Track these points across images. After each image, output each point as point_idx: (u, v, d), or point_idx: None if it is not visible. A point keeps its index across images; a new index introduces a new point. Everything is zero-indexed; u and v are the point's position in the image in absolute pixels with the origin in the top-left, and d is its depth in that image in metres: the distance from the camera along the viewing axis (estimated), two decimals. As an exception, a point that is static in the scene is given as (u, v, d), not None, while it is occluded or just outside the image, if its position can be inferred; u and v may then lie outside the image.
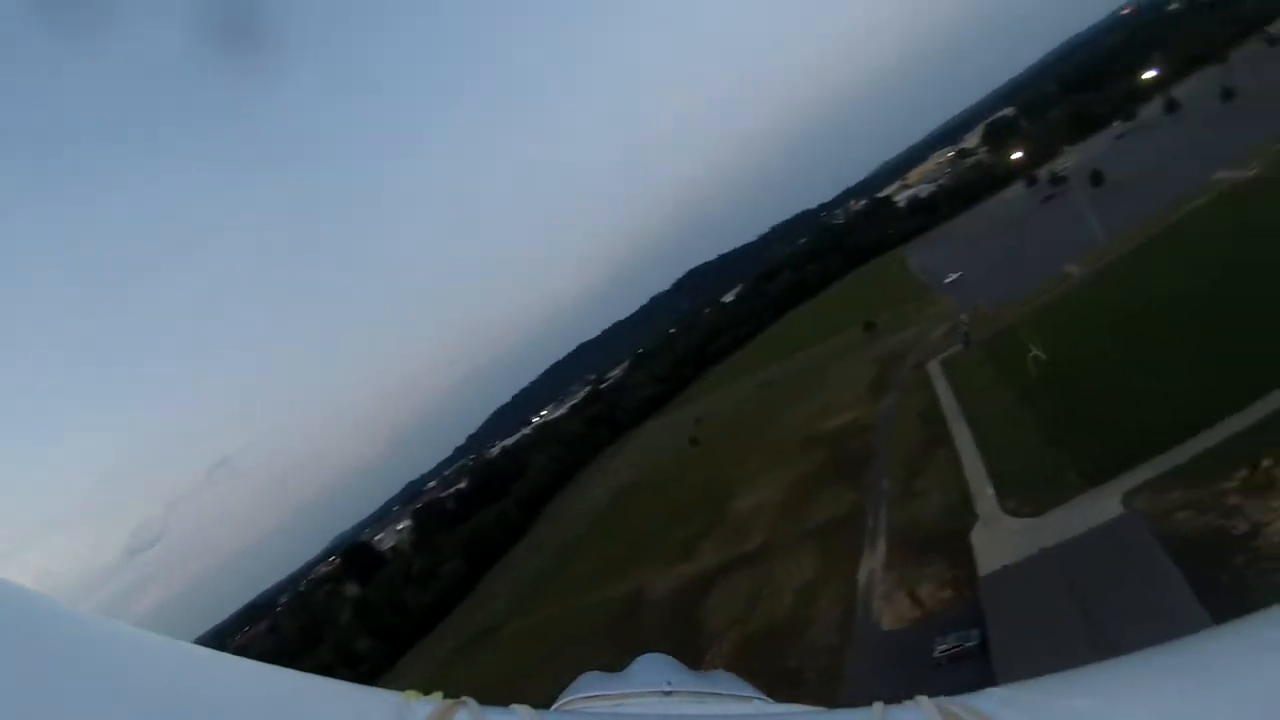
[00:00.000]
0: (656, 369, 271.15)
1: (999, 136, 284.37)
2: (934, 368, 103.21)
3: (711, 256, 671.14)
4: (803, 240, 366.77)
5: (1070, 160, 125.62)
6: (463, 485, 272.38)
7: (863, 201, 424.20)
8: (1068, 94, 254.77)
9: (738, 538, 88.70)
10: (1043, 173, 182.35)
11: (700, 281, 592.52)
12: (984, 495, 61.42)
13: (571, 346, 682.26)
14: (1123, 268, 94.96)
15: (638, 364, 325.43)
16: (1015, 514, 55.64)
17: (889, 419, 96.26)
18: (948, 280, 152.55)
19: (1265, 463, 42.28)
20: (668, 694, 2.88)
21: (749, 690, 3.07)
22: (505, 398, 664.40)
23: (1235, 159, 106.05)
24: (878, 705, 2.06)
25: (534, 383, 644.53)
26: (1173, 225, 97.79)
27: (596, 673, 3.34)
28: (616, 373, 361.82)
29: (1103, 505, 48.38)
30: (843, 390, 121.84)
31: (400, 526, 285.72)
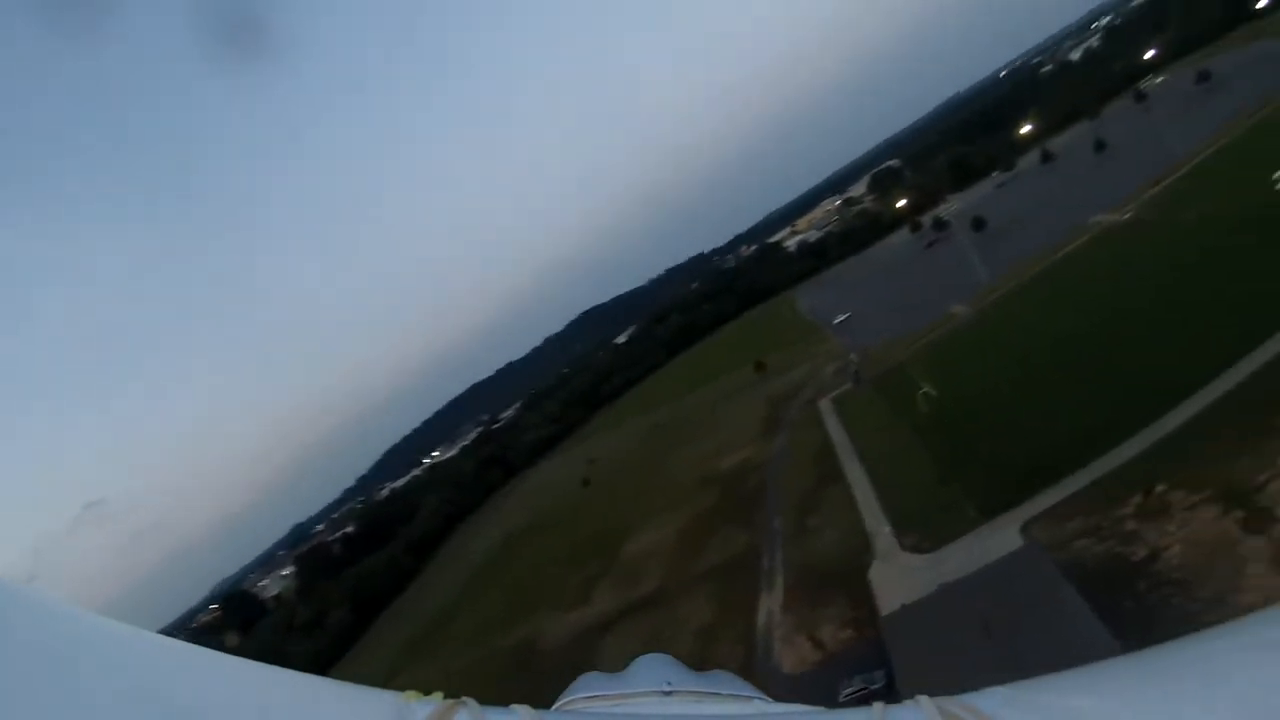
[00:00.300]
0: (549, 409, 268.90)
1: (884, 185, 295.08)
2: (825, 406, 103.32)
3: (605, 298, 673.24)
4: (695, 284, 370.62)
5: (953, 207, 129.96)
6: (350, 529, 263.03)
7: (753, 247, 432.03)
8: (950, 146, 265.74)
9: (633, 580, 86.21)
10: (926, 219, 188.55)
11: (593, 323, 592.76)
12: (881, 532, 60.51)
13: (464, 386, 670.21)
14: (1007, 307, 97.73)
15: (530, 404, 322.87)
16: (914, 550, 54.76)
17: (781, 458, 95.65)
18: (837, 321, 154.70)
19: (1159, 488, 42.53)
20: (668, 694, 2.91)
21: (749, 690, 3.08)
22: (396, 438, 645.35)
23: (1110, 204, 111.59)
24: (877, 705, 2.07)
25: (426, 422, 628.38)
26: (1052, 266, 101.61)
27: (596, 673, 3.36)
28: (509, 413, 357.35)
29: (1001, 538, 47.87)
30: (735, 430, 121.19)
31: (285, 572, 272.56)
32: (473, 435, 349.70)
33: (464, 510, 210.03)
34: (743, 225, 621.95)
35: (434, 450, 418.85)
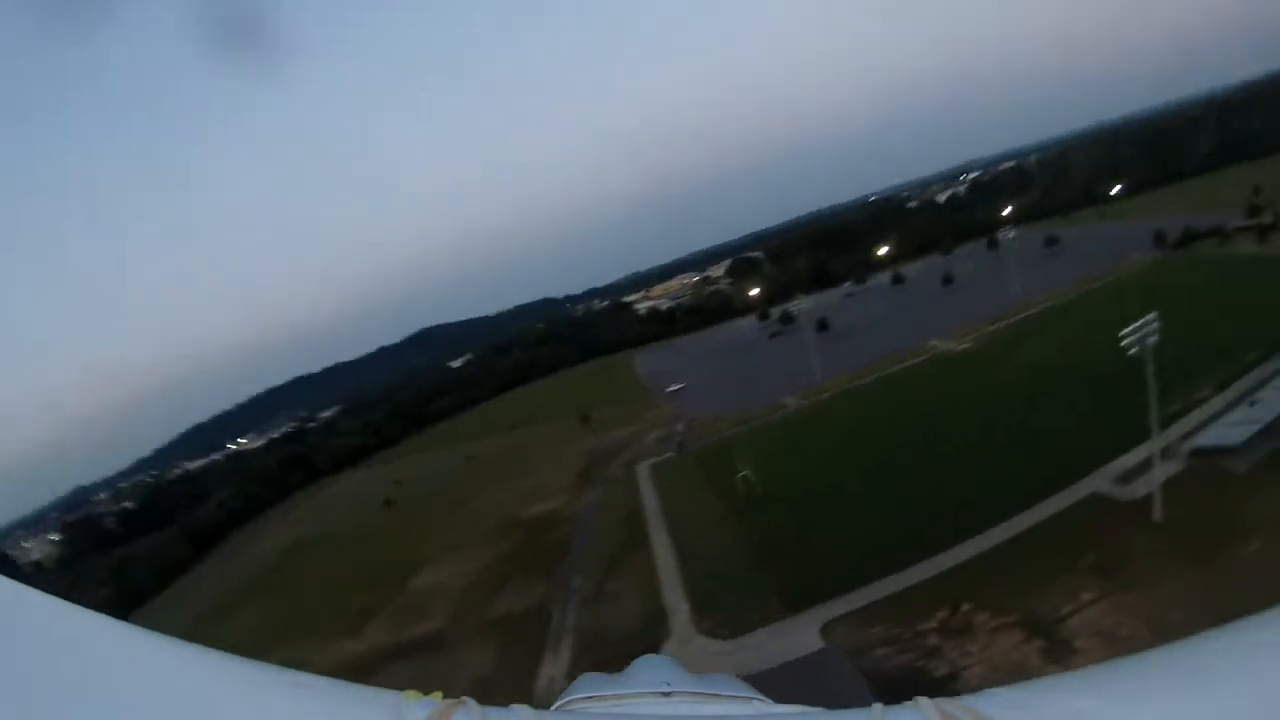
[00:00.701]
0: (368, 419, 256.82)
1: (742, 272, 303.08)
2: (644, 470, 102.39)
3: (449, 320, 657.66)
4: (540, 324, 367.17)
5: (802, 305, 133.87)
6: (130, 504, 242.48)
7: (605, 301, 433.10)
8: (810, 250, 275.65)
9: (415, 617, 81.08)
10: (775, 311, 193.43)
11: (432, 342, 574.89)
12: (679, 610, 59.01)
13: (287, 377, 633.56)
14: (835, 407, 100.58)
15: (350, 410, 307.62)
16: (710, 634, 53.36)
17: (591, 515, 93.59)
18: (671, 389, 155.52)
19: (964, 606, 42.56)
20: (667, 694, 2.93)
21: (748, 691, 3.10)
22: (205, 415, 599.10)
23: (948, 333, 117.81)
24: (877, 706, 2.10)
25: (240, 406, 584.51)
26: (885, 377, 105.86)
27: (596, 673, 3.36)
28: (327, 414, 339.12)
29: (802, 635, 47.07)
30: (550, 477, 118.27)
31: (54, 537, 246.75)
32: (283, 430, 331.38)
33: (255, 508, 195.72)
34: (600, 280, 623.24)
35: (241, 437, 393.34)
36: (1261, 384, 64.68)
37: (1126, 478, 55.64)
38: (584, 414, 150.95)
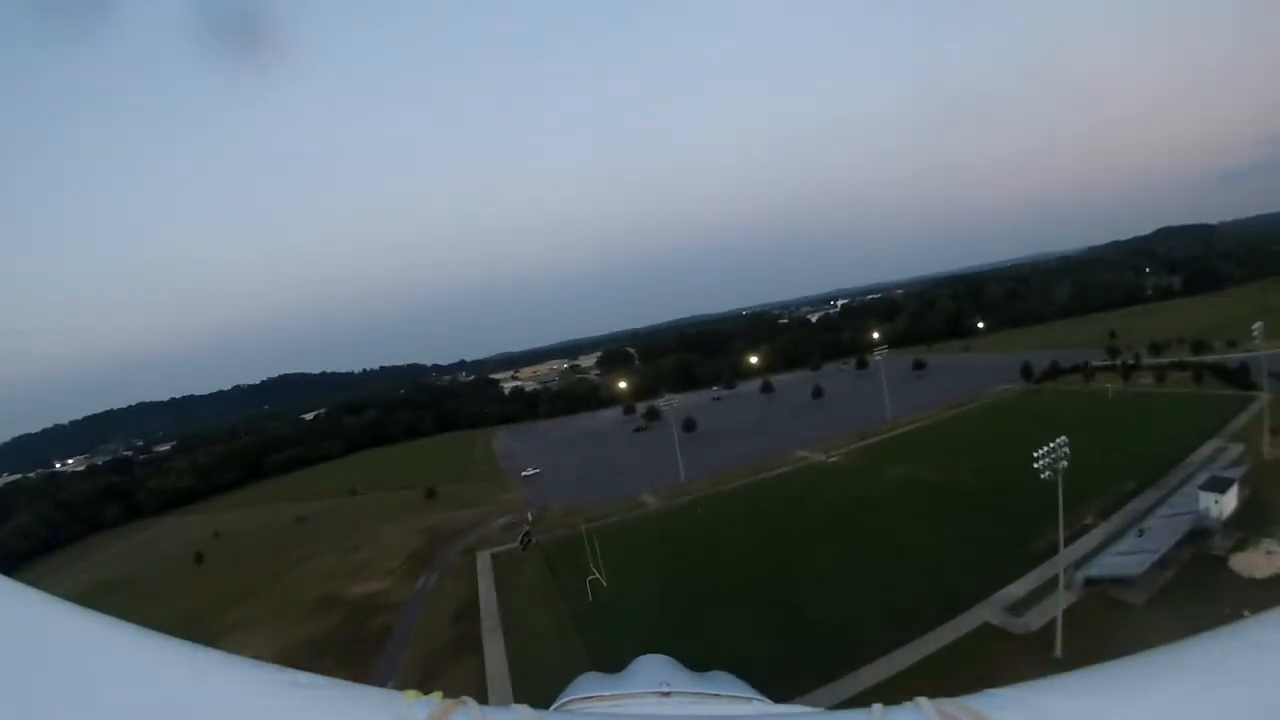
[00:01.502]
0: (203, 460, 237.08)
1: (612, 364, 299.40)
2: (484, 559, 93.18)
3: (311, 370, 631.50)
4: (403, 390, 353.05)
5: (670, 403, 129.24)
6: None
7: (471, 376, 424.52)
8: (682, 352, 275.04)
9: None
10: (642, 407, 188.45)
11: (289, 390, 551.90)
12: (506, 730, 49.96)
13: (131, 401, 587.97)
14: (695, 510, 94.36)
15: (185, 447, 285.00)
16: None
17: (420, 603, 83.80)
18: (526, 473, 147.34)
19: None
20: (666, 694, 3.01)
21: (748, 691, 3.23)
22: (35, 426, 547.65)
23: (815, 444, 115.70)
24: (877, 707, 2.12)
25: (74, 423, 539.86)
26: (750, 484, 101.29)
27: (595, 673, 3.57)
28: (164, 448, 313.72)
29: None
30: (383, 553, 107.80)
31: None
32: (113, 456, 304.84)
33: (62, 539, 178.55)
34: (471, 355, 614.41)
35: (69, 458, 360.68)
36: (1146, 514, 64.40)
37: (1017, 607, 51.98)
38: (430, 487, 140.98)
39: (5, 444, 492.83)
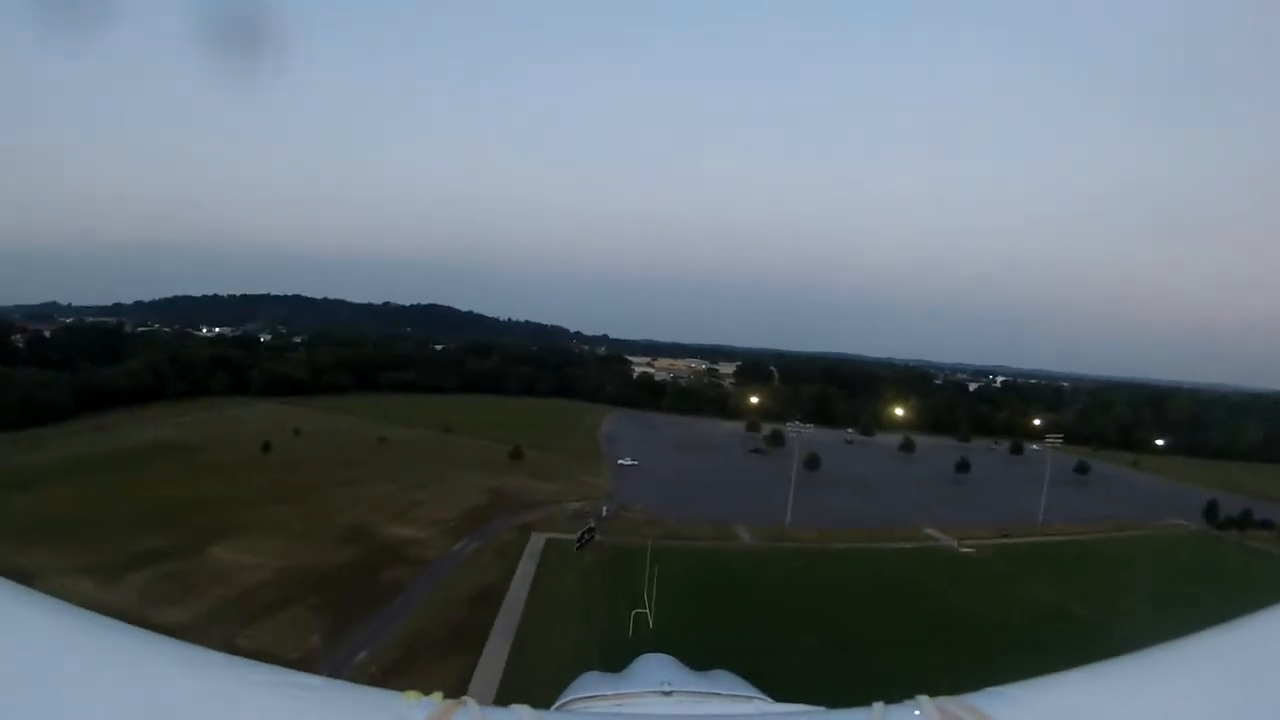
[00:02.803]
0: (320, 357, 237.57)
1: (749, 378, 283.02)
2: (538, 543, 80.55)
3: (460, 306, 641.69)
4: (536, 347, 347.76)
5: (799, 432, 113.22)
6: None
7: (604, 351, 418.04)
8: (824, 383, 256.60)
9: (167, 596, 60.02)
10: (767, 429, 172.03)
11: (434, 319, 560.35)
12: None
13: (289, 291, 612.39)
14: (794, 562, 78.95)
15: (314, 342, 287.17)
16: None
17: (447, 568, 72.16)
18: (622, 462, 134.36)
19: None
20: (667, 694, 2.98)
21: (749, 690, 3.16)
22: (197, 291, 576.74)
23: (953, 527, 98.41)
24: (877, 705, 2.06)
25: (231, 297, 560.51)
26: (868, 552, 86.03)
27: (596, 672, 3.54)
28: (298, 339, 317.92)
29: None
30: (441, 500, 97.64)
31: None
32: (241, 334, 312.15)
33: (157, 393, 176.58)
34: (615, 333, 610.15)
35: (216, 326, 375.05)
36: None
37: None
38: (519, 447, 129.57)
39: (165, 300, 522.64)
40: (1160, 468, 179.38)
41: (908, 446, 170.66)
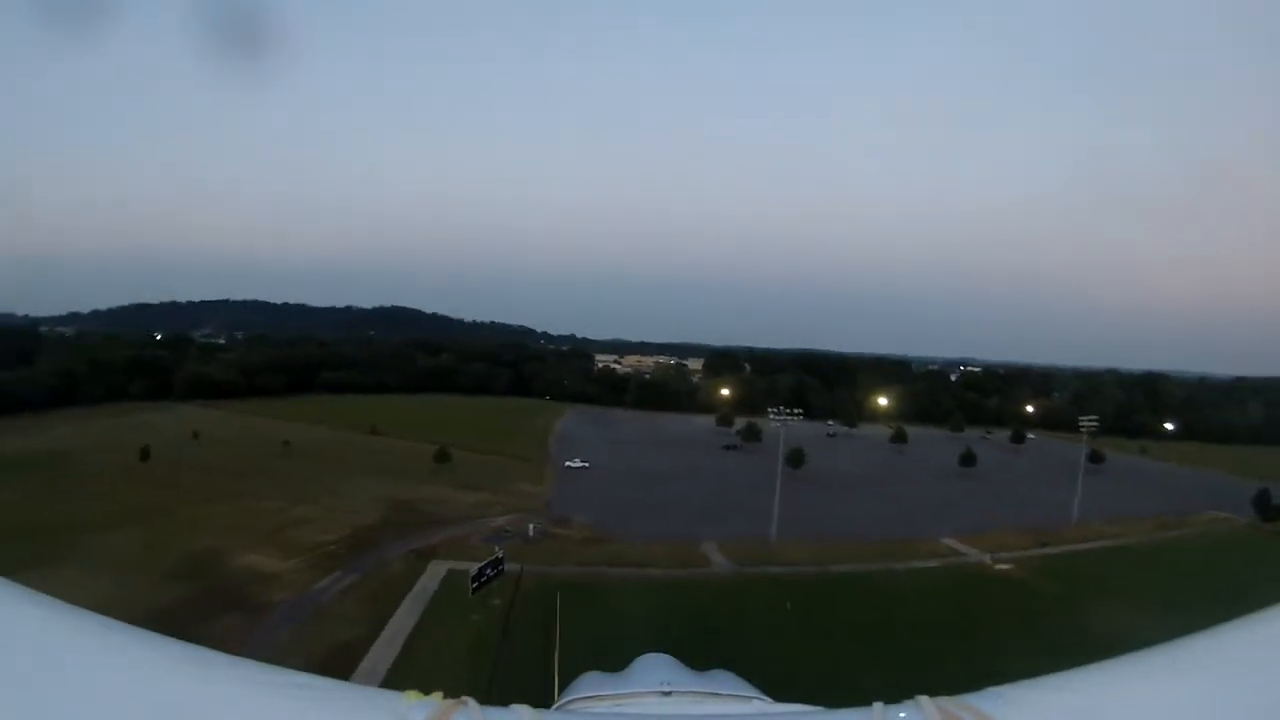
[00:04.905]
0: (251, 358, 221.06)
1: (719, 368, 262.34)
2: (433, 576, 59.98)
3: (425, 308, 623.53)
4: (500, 345, 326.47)
5: (782, 422, 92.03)
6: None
7: (567, 347, 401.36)
8: (798, 373, 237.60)
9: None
10: (740, 422, 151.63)
11: (397, 321, 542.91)
12: None
13: (249, 297, 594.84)
14: (785, 601, 57.29)
15: (253, 342, 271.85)
16: None
17: (298, 617, 51.60)
18: (570, 464, 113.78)
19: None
20: (667, 694, 3.03)
21: (749, 690, 3.20)
22: (155, 299, 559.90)
23: (973, 534, 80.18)
24: (878, 706, 2.07)
25: (191, 303, 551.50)
26: (880, 575, 65.41)
27: (596, 672, 3.57)
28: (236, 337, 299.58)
29: None
30: (324, 519, 78.15)
31: None
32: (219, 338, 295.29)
33: (64, 399, 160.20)
34: (583, 332, 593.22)
35: (165, 332, 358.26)
36: None
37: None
38: (446, 449, 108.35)
39: (125, 307, 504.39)
40: (1164, 453, 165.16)
41: (900, 438, 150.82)
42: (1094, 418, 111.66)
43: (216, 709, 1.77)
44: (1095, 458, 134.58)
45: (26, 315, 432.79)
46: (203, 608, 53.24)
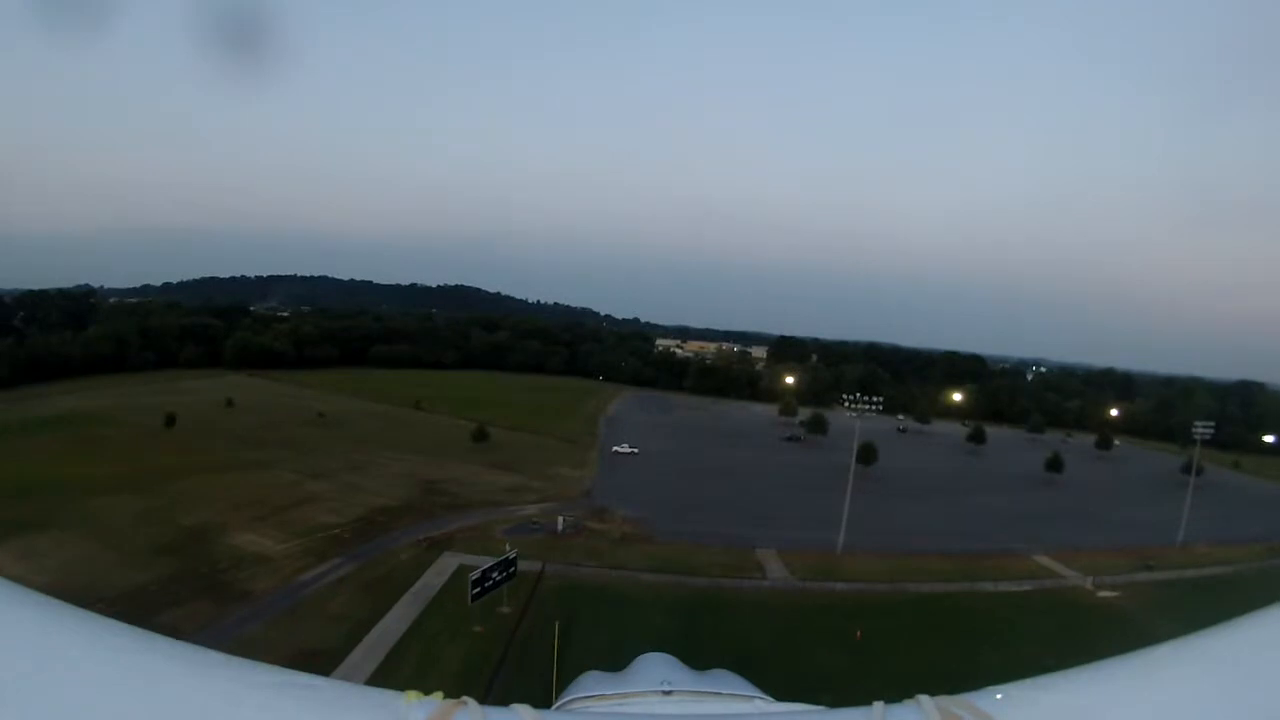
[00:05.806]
0: (303, 329, 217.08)
1: (784, 358, 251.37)
2: (441, 570, 52.53)
3: (489, 288, 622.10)
4: (558, 325, 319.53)
5: (855, 415, 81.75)
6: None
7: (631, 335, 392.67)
8: (869, 364, 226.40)
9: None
10: (805, 413, 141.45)
11: (461, 300, 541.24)
12: None
13: (318, 273, 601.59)
14: (854, 626, 47.89)
15: (310, 316, 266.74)
16: None
17: (271, 612, 44.13)
18: (617, 449, 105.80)
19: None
20: (668, 693, 3.00)
21: (750, 689, 3.16)
22: (224, 273, 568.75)
23: (1069, 553, 68.34)
24: (878, 705, 2.07)
25: (259, 278, 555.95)
26: (966, 597, 55.92)
27: (597, 672, 3.52)
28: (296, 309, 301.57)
29: None
30: (342, 497, 72.02)
31: None
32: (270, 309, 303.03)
33: (117, 364, 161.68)
34: (647, 317, 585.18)
35: (232, 305, 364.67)
36: None
37: None
38: (480, 427, 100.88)
39: (194, 280, 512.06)
40: (1260, 468, 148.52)
41: (978, 437, 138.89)
42: (1210, 424, 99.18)
43: (216, 709, 1.77)
44: (1195, 471, 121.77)
45: (102, 286, 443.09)
46: (171, 591, 46.86)
